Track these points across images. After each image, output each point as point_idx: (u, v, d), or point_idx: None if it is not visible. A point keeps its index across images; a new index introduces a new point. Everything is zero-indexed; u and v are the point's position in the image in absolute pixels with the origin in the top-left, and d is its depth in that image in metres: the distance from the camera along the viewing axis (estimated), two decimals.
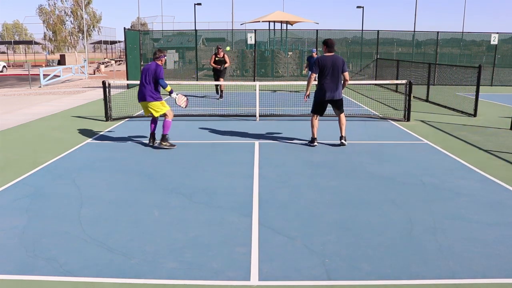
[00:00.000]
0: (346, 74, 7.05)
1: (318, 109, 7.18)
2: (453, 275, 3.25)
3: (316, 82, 7.51)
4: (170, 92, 7.21)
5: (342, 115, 7.29)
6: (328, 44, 6.99)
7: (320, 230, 4.01)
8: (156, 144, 7.30)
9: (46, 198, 4.85)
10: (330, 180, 5.51)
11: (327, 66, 6.87)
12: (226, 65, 13.63)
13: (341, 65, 6.94)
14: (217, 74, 13.61)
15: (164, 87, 7.14)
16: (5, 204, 4.66)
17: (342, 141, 7.25)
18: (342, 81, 7.09)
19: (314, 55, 13.72)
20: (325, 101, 7.06)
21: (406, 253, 3.59)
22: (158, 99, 7.16)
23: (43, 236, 3.88)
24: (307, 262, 3.43)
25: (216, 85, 13.72)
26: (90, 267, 3.33)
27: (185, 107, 7.70)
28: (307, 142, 7.50)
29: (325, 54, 7.01)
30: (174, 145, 7.21)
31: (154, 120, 7.42)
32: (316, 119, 7.24)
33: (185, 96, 7.65)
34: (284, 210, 4.51)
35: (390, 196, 4.95)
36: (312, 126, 7.28)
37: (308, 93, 7.33)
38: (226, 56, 13.63)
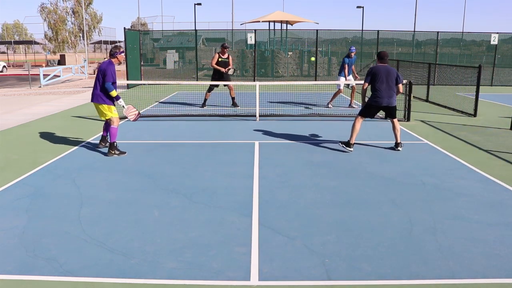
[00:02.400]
0: (401, 86, 7.01)
1: (367, 113, 7.08)
2: (453, 275, 3.25)
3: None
4: (116, 98, 6.65)
5: (396, 121, 7.18)
6: (380, 56, 7.08)
7: (320, 230, 4.02)
8: (103, 146, 6.98)
9: (46, 198, 4.85)
10: (330, 180, 5.51)
11: (380, 74, 6.87)
12: (230, 69, 11.66)
13: (394, 75, 6.94)
14: (220, 78, 11.50)
15: (108, 91, 6.52)
16: (5, 204, 4.66)
17: (398, 148, 7.05)
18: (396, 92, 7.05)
19: (352, 54, 11.50)
20: (378, 107, 7.00)
21: (406, 253, 3.59)
22: (106, 102, 6.64)
23: (43, 236, 3.88)
24: (307, 262, 3.43)
25: (210, 89, 11.80)
26: (90, 267, 3.33)
27: (134, 120, 7.16)
28: (339, 142, 7.24)
29: (378, 64, 7.05)
30: (124, 152, 6.72)
31: (106, 123, 6.94)
32: (359, 122, 7.05)
33: (136, 110, 7.12)
34: (284, 210, 4.52)
35: (390, 196, 4.95)
36: (354, 130, 7.00)
37: (364, 103, 7.17)
38: (231, 57, 11.72)
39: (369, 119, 10.02)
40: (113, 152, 6.67)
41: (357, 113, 7.25)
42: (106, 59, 6.90)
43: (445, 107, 12.06)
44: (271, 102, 13.06)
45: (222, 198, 4.84)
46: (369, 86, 7.02)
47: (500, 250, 3.63)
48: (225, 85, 11.64)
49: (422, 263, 3.41)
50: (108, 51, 55.54)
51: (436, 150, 7.14)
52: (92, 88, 6.82)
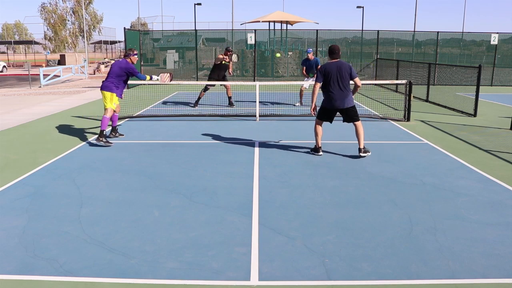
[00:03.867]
0: (357, 80, 6.49)
1: (324, 116, 6.66)
2: (453, 275, 3.25)
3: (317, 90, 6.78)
4: (152, 78, 7.87)
5: (358, 124, 6.56)
6: (330, 51, 6.49)
7: (320, 230, 4.02)
8: (113, 136, 7.91)
9: (46, 198, 4.85)
10: (330, 180, 5.51)
11: (332, 73, 6.33)
12: (230, 71, 11.92)
13: (348, 71, 6.39)
14: (218, 79, 11.60)
15: (143, 79, 7.73)
16: (5, 204, 4.66)
17: (361, 153, 6.52)
18: (353, 88, 6.58)
19: (310, 56, 11.75)
20: (333, 110, 6.53)
21: (406, 253, 3.59)
22: (112, 91, 7.56)
23: (43, 236, 3.88)
24: (307, 262, 3.43)
25: (206, 89, 11.81)
26: (90, 267, 3.33)
27: (171, 81, 8.32)
28: (309, 150, 6.92)
29: (329, 61, 6.49)
30: (111, 143, 7.35)
31: (114, 115, 7.86)
32: (318, 126, 6.69)
33: (166, 73, 8.32)
34: (284, 210, 4.52)
35: (390, 196, 4.95)
36: (316, 134, 6.70)
37: (314, 105, 6.62)
38: (231, 63, 11.94)
39: (368, 119, 10.06)
40: (101, 139, 7.30)
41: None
42: (121, 59, 7.99)
43: (445, 107, 12.07)
44: (271, 102, 13.06)
45: (222, 198, 4.84)
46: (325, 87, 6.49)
47: (500, 250, 3.63)
48: (221, 85, 11.69)
49: (422, 263, 3.41)
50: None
51: (436, 150, 7.14)
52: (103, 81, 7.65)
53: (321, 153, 6.73)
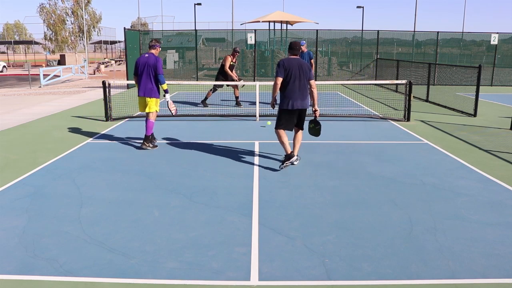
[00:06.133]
0: (313, 82, 5.89)
1: (284, 122, 5.95)
2: (452, 275, 3.25)
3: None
4: (166, 92, 7.06)
5: (301, 132, 6.16)
6: (291, 46, 5.95)
7: (320, 230, 4.02)
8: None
9: (46, 198, 4.85)
10: (330, 180, 5.51)
11: (293, 69, 5.76)
12: (243, 84, 11.76)
13: (307, 70, 5.84)
14: (225, 79, 11.64)
15: (161, 83, 6.92)
16: (5, 204, 4.66)
17: (294, 162, 5.98)
18: (309, 91, 5.98)
19: (304, 48, 11.17)
20: (294, 111, 5.90)
21: (406, 253, 3.59)
22: (157, 96, 7.10)
23: (43, 236, 3.88)
24: (307, 262, 3.43)
25: (214, 90, 11.95)
26: (90, 267, 3.33)
27: (174, 115, 7.72)
28: (281, 161, 6.18)
29: (290, 57, 5.90)
30: (156, 146, 7.19)
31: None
32: (281, 135, 5.98)
33: (174, 106, 7.49)
34: (284, 210, 4.52)
35: (390, 196, 4.95)
36: (282, 142, 5.98)
37: (273, 100, 6.15)
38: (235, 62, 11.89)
39: (368, 119, 10.06)
40: (148, 145, 7.07)
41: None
42: (145, 54, 7.08)
43: (445, 107, 12.07)
44: None
45: (222, 198, 4.84)
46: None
47: (500, 250, 3.63)
48: (228, 85, 11.73)
49: (422, 263, 3.41)
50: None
51: (436, 150, 7.14)
52: (143, 84, 6.96)
53: (295, 157, 6.01)
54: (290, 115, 5.92)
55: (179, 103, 12.80)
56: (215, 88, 11.84)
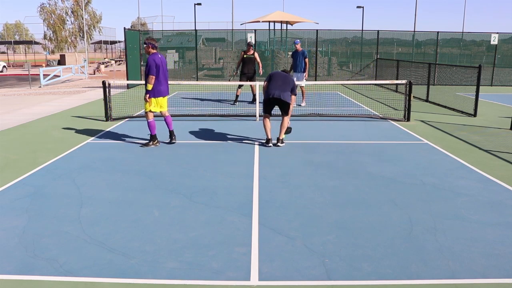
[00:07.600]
0: (293, 97, 7.33)
1: (265, 108, 7.36)
2: (452, 275, 3.25)
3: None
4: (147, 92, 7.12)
5: (285, 119, 7.32)
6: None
7: (320, 230, 4.02)
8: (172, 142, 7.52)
9: (46, 198, 4.85)
10: (330, 180, 5.51)
11: (276, 78, 7.19)
12: (260, 68, 12.48)
13: (290, 83, 7.19)
14: (248, 73, 12.28)
15: (149, 82, 6.98)
16: (5, 204, 4.66)
17: (278, 143, 7.33)
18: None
19: (298, 47, 11.81)
20: (271, 99, 7.15)
21: (406, 253, 3.59)
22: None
23: (43, 236, 3.88)
24: (307, 262, 3.43)
25: (240, 86, 12.41)
26: (90, 267, 3.33)
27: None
28: (263, 142, 7.49)
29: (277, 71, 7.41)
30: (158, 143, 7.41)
31: (167, 117, 7.55)
32: (266, 120, 7.33)
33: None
34: (284, 210, 4.52)
35: (390, 196, 4.95)
36: (264, 127, 7.37)
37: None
38: (256, 54, 12.34)
39: (368, 119, 10.06)
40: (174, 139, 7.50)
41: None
42: (158, 54, 7.13)
43: (445, 107, 12.07)
44: None
45: (222, 198, 4.84)
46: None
47: (500, 250, 3.63)
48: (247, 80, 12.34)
49: (422, 263, 3.41)
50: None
51: (436, 150, 7.14)
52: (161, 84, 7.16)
53: (270, 144, 7.29)
54: (267, 103, 7.28)
55: (179, 103, 12.80)
56: (241, 84, 12.32)
